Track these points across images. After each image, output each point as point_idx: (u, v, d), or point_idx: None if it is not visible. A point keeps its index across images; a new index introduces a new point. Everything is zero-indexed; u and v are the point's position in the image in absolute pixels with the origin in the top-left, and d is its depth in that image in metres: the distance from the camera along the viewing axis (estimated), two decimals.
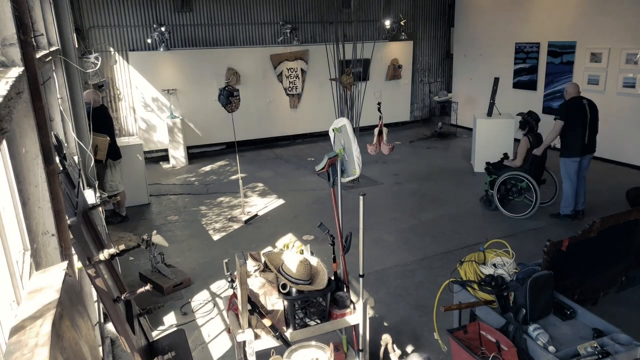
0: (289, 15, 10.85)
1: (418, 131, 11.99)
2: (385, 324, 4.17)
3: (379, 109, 6.75)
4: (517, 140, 8.67)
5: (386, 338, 3.31)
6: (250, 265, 2.99)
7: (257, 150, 10.64)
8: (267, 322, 2.79)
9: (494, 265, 3.41)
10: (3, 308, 1.73)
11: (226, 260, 3.26)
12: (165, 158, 9.79)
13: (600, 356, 2.69)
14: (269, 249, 5.44)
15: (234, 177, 8.46)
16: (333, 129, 3.34)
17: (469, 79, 11.93)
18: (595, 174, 8.26)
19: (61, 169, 2.71)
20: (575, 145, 6.00)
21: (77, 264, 2.31)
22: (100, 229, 3.63)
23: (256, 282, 2.91)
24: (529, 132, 6.45)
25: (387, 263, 5.25)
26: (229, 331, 3.35)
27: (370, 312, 3.17)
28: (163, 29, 9.39)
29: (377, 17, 11.53)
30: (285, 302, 2.86)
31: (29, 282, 1.35)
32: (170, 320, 4.34)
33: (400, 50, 11.93)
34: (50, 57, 3.70)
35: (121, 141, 7.56)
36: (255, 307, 2.82)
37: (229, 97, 6.16)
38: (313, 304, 2.90)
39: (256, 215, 6.76)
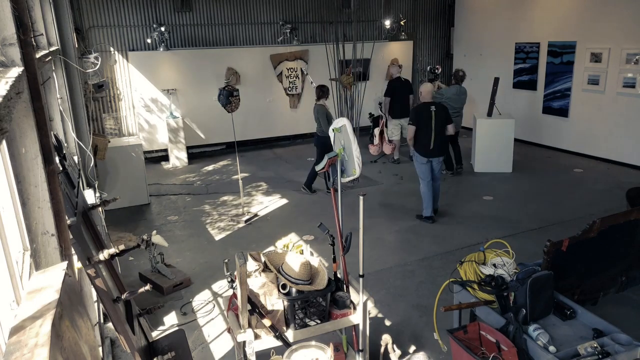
0: (289, 15, 10.84)
1: None
2: (386, 323, 4.17)
3: (380, 109, 6.75)
4: (517, 140, 8.70)
5: (386, 338, 3.31)
6: (251, 265, 2.99)
7: (257, 150, 10.63)
8: (267, 322, 2.79)
9: (494, 265, 3.41)
10: (3, 308, 1.73)
11: (226, 260, 3.26)
12: (166, 158, 9.79)
13: (600, 356, 2.69)
14: (269, 248, 5.43)
15: (234, 177, 8.45)
16: (333, 129, 3.34)
17: (469, 79, 11.90)
18: (595, 173, 8.27)
19: (61, 169, 2.71)
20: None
21: (77, 264, 2.30)
22: (100, 229, 3.63)
23: (256, 282, 2.91)
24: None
25: (387, 263, 5.25)
26: (229, 331, 3.35)
27: (370, 312, 3.17)
28: (163, 28, 9.38)
29: (377, 17, 11.52)
30: (285, 302, 2.85)
31: (29, 282, 1.35)
32: (170, 320, 4.34)
33: (400, 50, 11.92)
34: (50, 57, 3.70)
35: (121, 141, 7.57)
36: (255, 307, 2.82)
37: (228, 97, 6.16)
38: (313, 304, 2.90)
39: (256, 215, 6.75)
